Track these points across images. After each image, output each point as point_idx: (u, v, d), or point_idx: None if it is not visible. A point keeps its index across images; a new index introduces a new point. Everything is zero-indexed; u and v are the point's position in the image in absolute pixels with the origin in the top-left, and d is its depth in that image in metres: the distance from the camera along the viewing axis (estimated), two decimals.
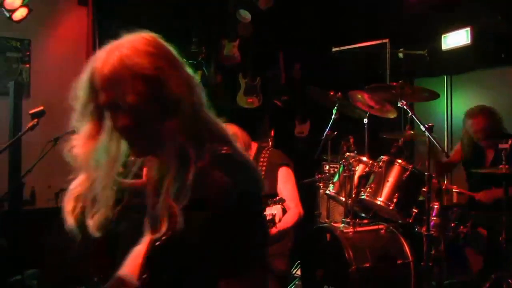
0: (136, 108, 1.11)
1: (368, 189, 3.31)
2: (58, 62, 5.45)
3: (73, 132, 3.76)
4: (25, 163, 4.32)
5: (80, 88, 1.20)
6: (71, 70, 5.09)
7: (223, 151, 1.13)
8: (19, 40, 5.28)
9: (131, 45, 1.17)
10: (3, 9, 4.42)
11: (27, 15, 4.55)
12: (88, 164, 1.19)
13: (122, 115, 1.13)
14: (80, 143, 1.20)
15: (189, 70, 1.26)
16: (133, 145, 1.17)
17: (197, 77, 1.28)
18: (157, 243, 1.08)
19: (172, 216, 1.05)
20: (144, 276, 1.12)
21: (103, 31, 5.45)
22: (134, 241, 1.14)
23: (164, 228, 1.06)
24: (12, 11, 4.45)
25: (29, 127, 2.81)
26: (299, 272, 3.89)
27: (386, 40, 5.04)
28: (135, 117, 1.12)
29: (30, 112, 2.80)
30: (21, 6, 4.47)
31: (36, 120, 2.78)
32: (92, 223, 1.23)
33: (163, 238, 1.07)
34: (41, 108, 2.88)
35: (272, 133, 5.40)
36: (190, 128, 1.13)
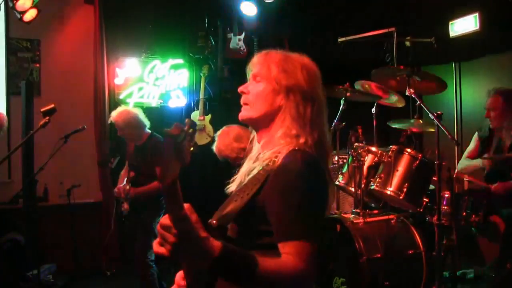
0: (259, 81, 1.47)
1: (378, 179, 3.30)
2: (67, 60, 5.50)
3: (83, 129, 3.77)
4: (37, 160, 4.39)
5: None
6: (79, 68, 5.20)
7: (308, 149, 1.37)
8: (29, 40, 5.35)
9: (284, 51, 1.50)
10: (15, 11, 4.49)
11: (36, 15, 4.62)
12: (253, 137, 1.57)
13: (246, 84, 1.50)
14: None
15: None
16: (241, 110, 1.49)
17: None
18: (246, 202, 1.29)
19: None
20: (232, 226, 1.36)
21: (110, 28, 5.48)
22: None
23: (254, 189, 1.30)
24: (23, 12, 4.52)
25: (41, 125, 2.86)
26: None
27: (393, 29, 5.00)
28: (253, 87, 1.48)
29: (42, 110, 2.85)
30: (31, 7, 4.55)
31: (47, 118, 2.82)
32: (233, 185, 1.51)
33: (250, 198, 1.29)
34: (52, 106, 2.91)
35: None
36: (299, 117, 1.41)
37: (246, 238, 1.34)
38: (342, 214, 3.53)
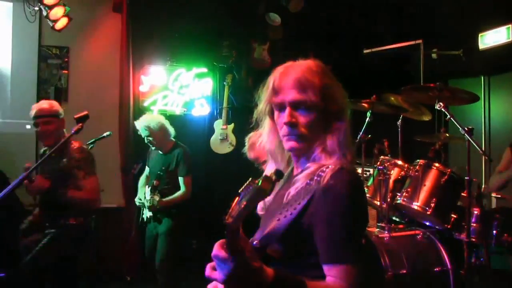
0: (304, 110, 1.39)
1: (404, 193, 3.24)
2: (94, 67, 5.60)
3: (109, 135, 3.82)
4: None
5: (263, 92, 1.49)
6: (106, 75, 5.26)
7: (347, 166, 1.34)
8: (59, 47, 5.48)
9: (305, 65, 1.43)
10: (48, 20, 4.63)
11: (67, 24, 4.74)
12: (274, 153, 1.52)
13: (289, 113, 1.40)
14: (265, 136, 1.53)
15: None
16: (290, 140, 1.42)
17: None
18: (291, 222, 1.27)
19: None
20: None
21: (136, 37, 5.55)
22: None
23: (298, 208, 1.27)
24: (55, 21, 4.66)
25: (75, 131, 2.91)
26: None
27: (420, 41, 4.94)
28: (299, 116, 1.40)
29: (76, 116, 2.91)
30: (63, 16, 4.68)
31: (81, 124, 2.89)
32: (259, 205, 1.50)
33: (295, 217, 1.27)
34: (85, 113, 2.96)
35: None
36: (344, 134, 1.39)
37: (290, 258, 1.31)
38: (366, 228, 3.46)
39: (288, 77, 1.40)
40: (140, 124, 4.03)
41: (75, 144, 3.29)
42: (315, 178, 1.30)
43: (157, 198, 3.87)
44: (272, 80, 1.45)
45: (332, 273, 1.23)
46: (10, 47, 5.39)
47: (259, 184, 1.06)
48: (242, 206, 1.04)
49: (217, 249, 1.11)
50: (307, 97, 1.37)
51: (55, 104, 3.39)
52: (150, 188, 3.94)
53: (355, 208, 1.28)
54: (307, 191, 1.30)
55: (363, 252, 1.29)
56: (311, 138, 1.40)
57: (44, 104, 3.35)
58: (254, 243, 1.34)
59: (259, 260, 1.13)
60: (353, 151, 1.42)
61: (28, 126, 5.43)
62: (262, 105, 1.49)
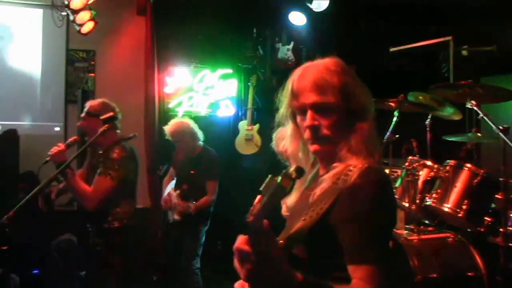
0: (325, 112, 1.37)
1: (434, 194, 3.14)
2: (119, 70, 5.66)
3: (135, 136, 3.79)
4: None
5: (283, 96, 1.47)
6: (131, 77, 5.29)
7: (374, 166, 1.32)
8: (85, 51, 5.58)
9: (323, 65, 1.40)
10: (74, 24, 4.72)
11: (93, 28, 4.81)
12: (297, 157, 1.49)
13: (311, 116, 1.38)
14: (288, 140, 1.53)
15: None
16: (314, 143, 1.40)
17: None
18: (317, 221, 1.26)
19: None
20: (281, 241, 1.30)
21: (161, 39, 5.59)
22: None
23: (324, 208, 1.26)
24: (81, 25, 4.74)
25: (101, 132, 2.91)
26: None
27: (449, 38, 4.79)
28: (321, 118, 1.37)
29: (102, 117, 2.89)
30: (89, 20, 4.76)
31: (107, 125, 2.87)
32: (284, 206, 1.49)
33: (321, 217, 1.25)
34: (111, 113, 2.96)
35: None
36: (369, 133, 1.37)
37: (315, 259, 1.29)
38: (394, 230, 3.39)
39: (306, 79, 1.38)
40: (169, 129, 4.05)
41: (118, 148, 3.10)
42: (342, 177, 1.28)
43: (192, 206, 3.88)
44: (290, 83, 1.43)
45: (357, 275, 1.20)
46: (40, 52, 5.52)
47: (279, 181, 1.07)
48: (263, 204, 1.05)
49: (241, 243, 1.08)
50: (327, 99, 1.35)
51: (99, 103, 3.26)
52: (179, 192, 3.96)
53: (382, 209, 1.25)
54: (333, 191, 1.28)
55: (389, 253, 1.27)
56: (335, 139, 1.38)
57: (92, 101, 3.32)
58: (279, 243, 1.31)
59: (287, 261, 1.10)
60: (381, 151, 1.40)
61: (57, 128, 5.54)
62: (283, 109, 1.48)
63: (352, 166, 1.30)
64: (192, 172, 4.05)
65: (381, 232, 1.25)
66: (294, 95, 1.41)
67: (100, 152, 3.08)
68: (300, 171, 1.12)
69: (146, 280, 5.18)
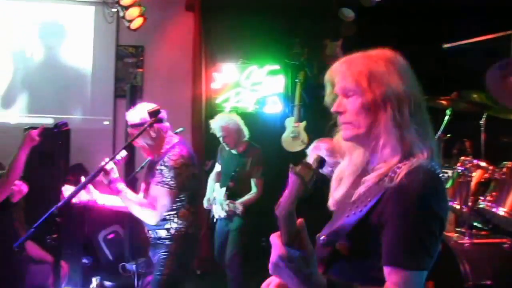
0: (350, 97, 1.33)
1: (488, 197, 3.00)
2: (167, 65, 5.75)
3: (182, 131, 3.66)
4: (138, 161, 4.60)
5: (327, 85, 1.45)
6: (179, 73, 5.33)
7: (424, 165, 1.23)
8: (134, 46, 5.70)
9: (356, 55, 1.39)
10: (124, 20, 4.82)
11: (142, 23, 4.91)
12: (349, 149, 1.44)
13: (337, 102, 1.36)
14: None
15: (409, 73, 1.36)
16: (343, 129, 1.37)
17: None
18: (360, 219, 1.23)
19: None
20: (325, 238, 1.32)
21: (209, 34, 5.63)
22: None
23: (368, 206, 1.23)
24: (131, 21, 4.84)
25: (148, 125, 2.75)
26: None
27: (510, 32, 4.54)
28: (347, 104, 1.34)
29: (148, 111, 2.79)
30: (138, 16, 4.85)
31: (154, 118, 2.77)
32: (331, 199, 1.45)
33: (364, 215, 1.23)
34: (157, 107, 2.86)
35: None
36: (412, 128, 1.27)
37: (356, 257, 1.26)
38: (444, 232, 3.25)
39: (337, 70, 1.38)
40: (216, 124, 4.07)
41: (174, 155, 2.76)
42: (390, 174, 1.22)
43: (240, 207, 3.87)
44: (327, 78, 1.44)
45: (391, 278, 1.16)
46: (91, 48, 5.69)
47: (297, 171, 1.06)
48: (285, 196, 1.06)
49: (273, 235, 1.12)
50: (349, 83, 1.32)
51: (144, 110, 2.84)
52: (225, 190, 3.98)
53: (428, 211, 1.17)
54: (378, 188, 1.23)
55: (430, 261, 1.18)
56: (362, 126, 1.31)
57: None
58: (322, 238, 1.32)
59: (318, 262, 1.12)
60: (432, 148, 1.28)
61: (106, 122, 5.70)
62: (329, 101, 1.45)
63: (402, 163, 1.23)
64: (237, 169, 4.05)
65: (424, 236, 1.17)
66: (332, 85, 1.41)
67: (156, 160, 2.82)
68: (320, 161, 1.10)
69: (190, 274, 5.26)
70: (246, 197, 4.01)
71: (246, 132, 4.13)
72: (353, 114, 1.32)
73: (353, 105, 1.32)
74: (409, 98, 1.28)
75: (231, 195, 3.99)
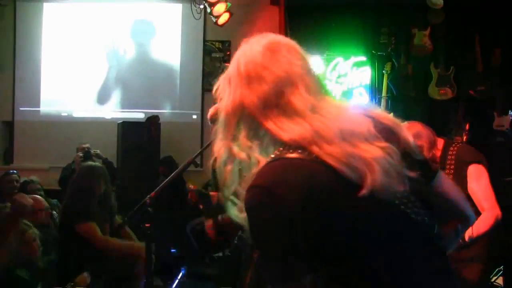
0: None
1: None
2: None
3: None
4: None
5: None
6: None
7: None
8: (221, 42, 5.87)
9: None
10: (211, 16, 4.99)
11: (229, 19, 5.04)
12: None
13: None
14: None
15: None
16: None
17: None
18: None
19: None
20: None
21: (293, 28, 5.63)
22: None
23: None
24: (218, 17, 4.99)
25: None
26: (500, 281, 3.46)
27: None
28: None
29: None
30: (224, 12, 4.99)
31: None
32: None
33: None
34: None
35: (467, 126, 5.08)
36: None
37: None
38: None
39: None
40: None
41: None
42: None
43: None
44: None
45: None
46: (179, 44, 5.93)
47: None
48: None
49: None
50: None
51: None
52: None
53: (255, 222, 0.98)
54: None
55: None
56: None
57: None
58: None
59: None
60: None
61: (194, 116, 5.93)
62: None
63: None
64: None
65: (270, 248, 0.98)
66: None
67: None
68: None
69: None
70: None
71: None
72: None
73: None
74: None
75: None
